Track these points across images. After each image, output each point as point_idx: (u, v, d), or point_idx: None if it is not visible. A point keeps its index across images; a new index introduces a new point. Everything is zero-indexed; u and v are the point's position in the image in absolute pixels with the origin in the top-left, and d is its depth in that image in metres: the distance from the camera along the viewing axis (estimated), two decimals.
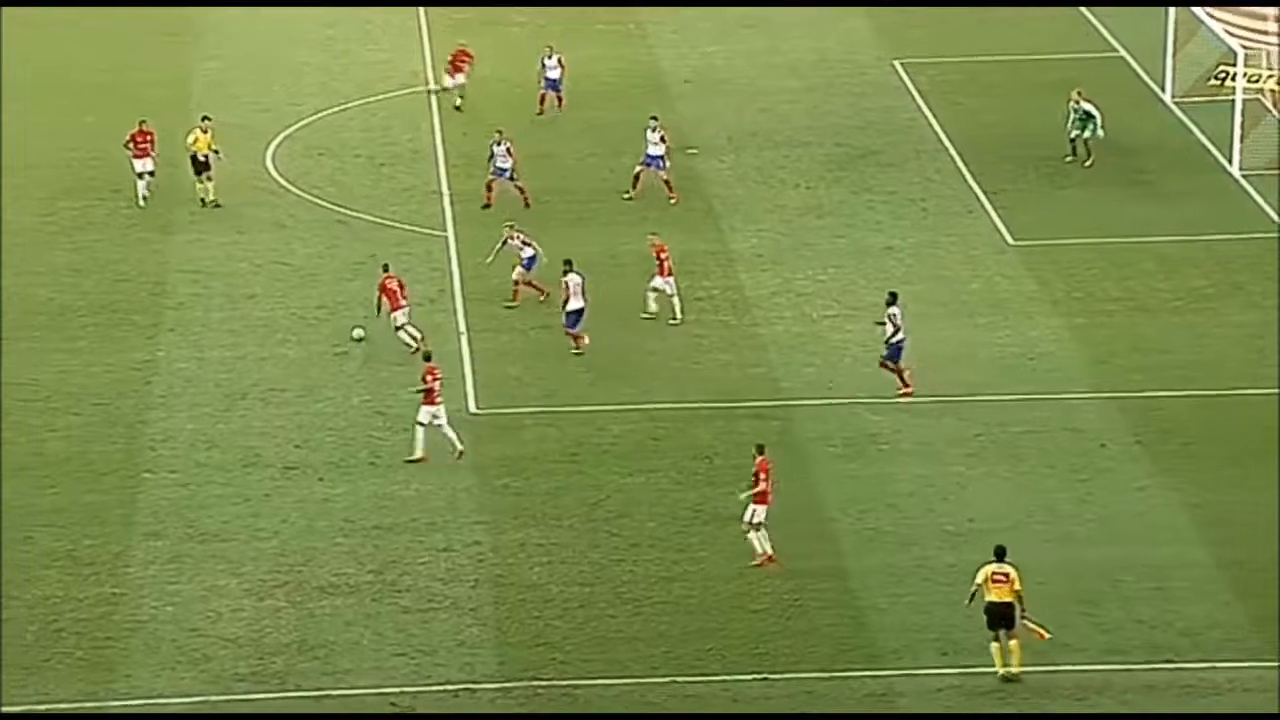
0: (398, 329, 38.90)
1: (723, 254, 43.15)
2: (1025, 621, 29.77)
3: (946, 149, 48.21)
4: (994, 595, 29.61)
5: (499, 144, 44.76)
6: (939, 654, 30.57)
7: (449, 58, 49.50)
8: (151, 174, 44.57)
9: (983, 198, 45.86)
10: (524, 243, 40.74)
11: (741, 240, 43.85)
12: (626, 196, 45.14)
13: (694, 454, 35.85)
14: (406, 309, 39.11)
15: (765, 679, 30.09)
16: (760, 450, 32.71)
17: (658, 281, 40.13)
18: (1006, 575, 29.67)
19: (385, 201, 45.71)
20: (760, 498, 32.35)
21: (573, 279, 38.92)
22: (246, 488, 34.80)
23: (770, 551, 32.38)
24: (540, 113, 49.28)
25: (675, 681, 30.03)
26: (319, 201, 45.77)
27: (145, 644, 30.82)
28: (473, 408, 37.46)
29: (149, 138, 44.57)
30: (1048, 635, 29.90)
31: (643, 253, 42.68)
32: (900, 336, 37.26)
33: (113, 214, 44.79)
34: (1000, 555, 29.92)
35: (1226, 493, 34.52)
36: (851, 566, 32.65)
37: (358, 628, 31.18)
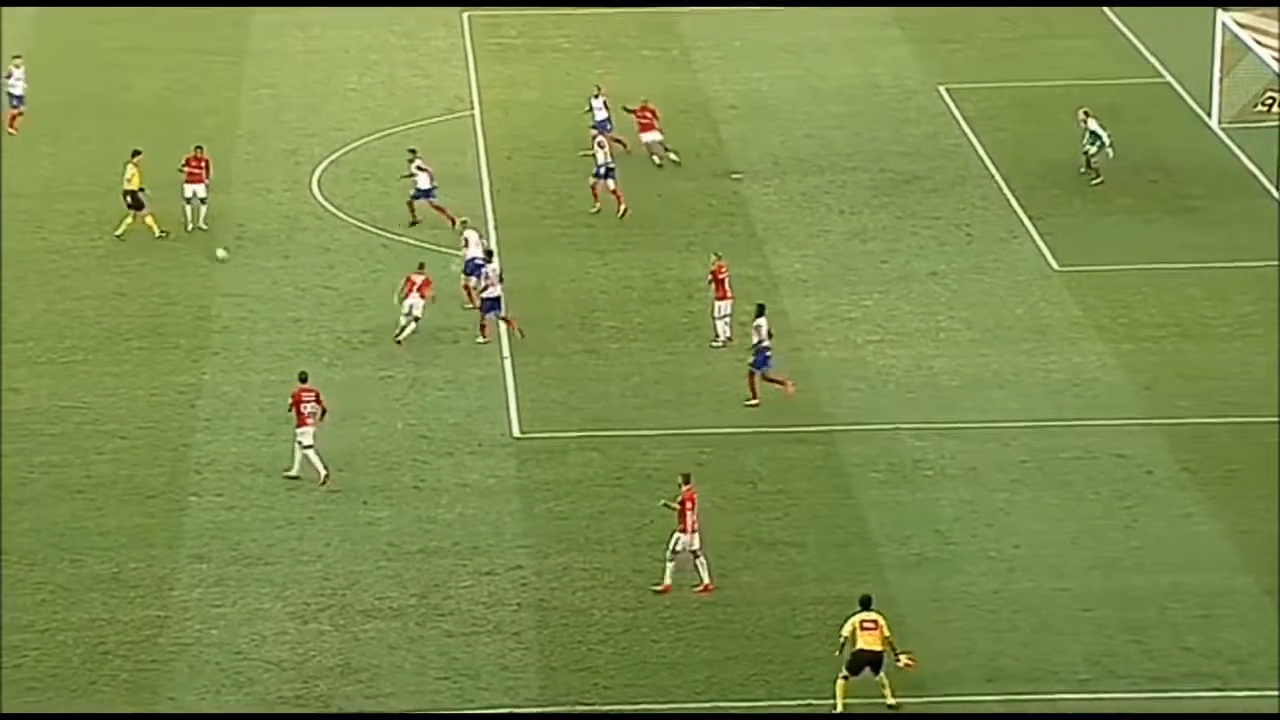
0: (406, 313, 39.72)
1: (766, 279, 43.12)
2: (899, 660, 29.71)
3: (991, 174, 48.10)
4: (864, 642, 29.68)
5: (412, 162, 45.06)
6: (984, 680, 30.47)
7: (635, 115, 47.82)
8: (203, 200, 44.85)
9: (1027, 223, 45.74)
10: (467, 243, 41.34)
11: (785, 265, 43.82)
12: (595, 211, 45.48)
13: (738, 479, 35.80)
14: (424, 304, 39.78)
15: (809, 704, 30.01)
16: (686, 480, 32.76)
17: (722, 307, 39.99)
18: (875, 622, 29.79)
19: (430, 225, 45.83)
20: (684, 527, 32.35)
21: (491, 268, 40.12)
22: (291, 511, 34.88)
23: (670, 583, 32.39)
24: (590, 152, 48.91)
25: (718, 707, 29.98)
26: (364, 226, 45.92)
27: (190, 666, 30.92)
28: (516, 431, 37.50)
29: (203, 163, 44.89)
30: (916, 663, 29.82)
31: (686, 277, 42.69)
32: (766, 345, 37.59)
33: (159, 238, 45.00)
34: (866, 604, 29.96)
35: (1274, 520, 34.28)
36: (895, 592, 32.53)
37: (401, 651, 31.21)
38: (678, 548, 32.47)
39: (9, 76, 48.99)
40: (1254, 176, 47.84)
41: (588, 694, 30.31)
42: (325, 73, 54.15)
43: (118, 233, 44.36)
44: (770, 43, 55.98)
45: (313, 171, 48.24)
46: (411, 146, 46.45)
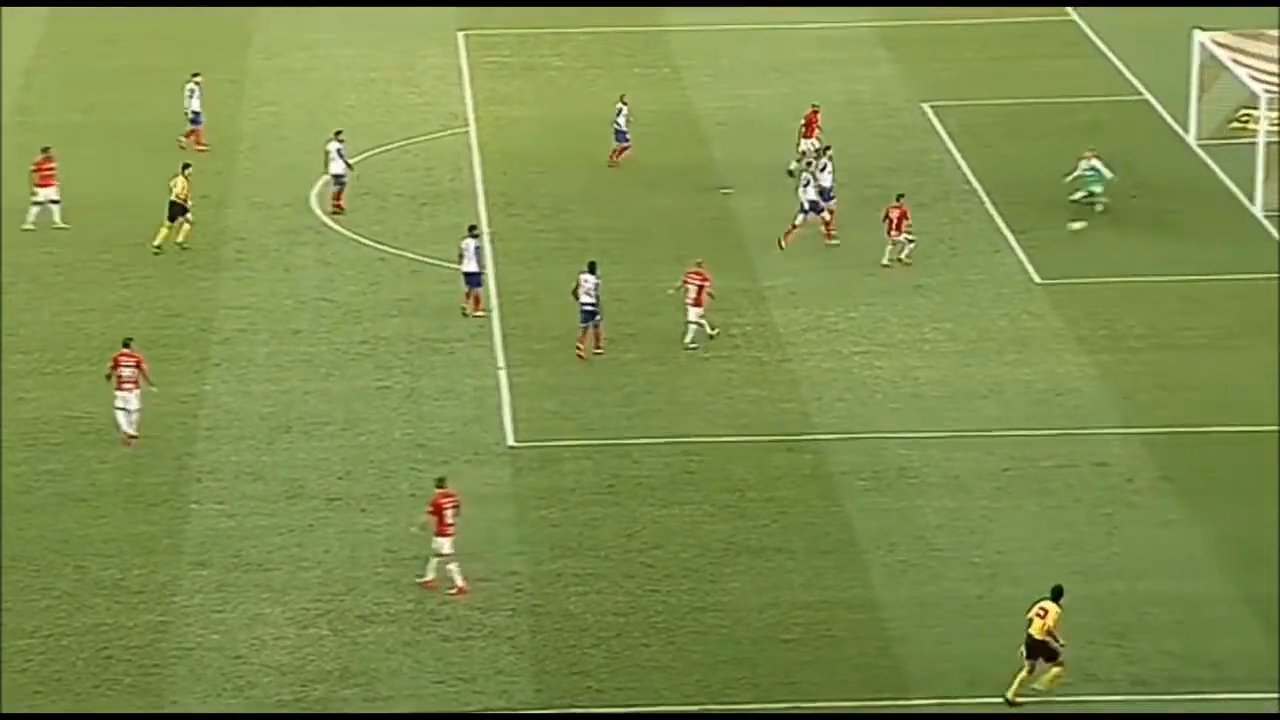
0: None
1: (755, 291, 43.75)
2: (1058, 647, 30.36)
3: (975, 190, 48.72)
4: (1031, 628, 30.46)
5: (340, 143, 46.46)
6: (967, 684, 30.94)
7: (806, 123, 48.88)
8: (56, 202, 45.51)
9: (1010, 237, 46.36)
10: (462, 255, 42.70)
11: (773, 278, 44.43)
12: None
13: (727, 487, 36.40)
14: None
15: (796, 708, 30.54)
16: (440, 483, 33.36)
17: (693, 314, 40.95)
18: (1045, 611, 30.42)
19: (426, 240, 46.48)
20: (440, 530, 32.90)
21: (471, 244, 42.09)
22: (290, 518, 35.45)
23: (431, 578, 32.99)
24: (612, 164, 49.67)
25: (708, 710, 30.46)
26: (362, 240, 46.57)
27: (191, 671, 31.44)
28: (511, 441, 38.14)
29: (53, 167, 45.49)
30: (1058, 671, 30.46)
31: (678, 289, 43.37)
32: (586, 302, 40.26)
33: (162, 252, 45.67)
34: (1054, 594, 30.65)
35: (1252, 527, 34.81)
36: (881, 598, 33.07)
37: (398, 656, 31.73)
38: (442, 552, 33.01)
39: (191, 95, 49.85)
40: (1230, 192, 48.49)
41: (580, 697, 30.80)
42: (323, 91, 54.79)
43: (155, 243, 44.98)
44: (758, 62, 56.69)
45: (311, 187, 48.90)
46: (339, 129, 47.36)
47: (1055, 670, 30.38)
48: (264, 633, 32.22)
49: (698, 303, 41.00)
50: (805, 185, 45.61)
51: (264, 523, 35.30)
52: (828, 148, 47.04)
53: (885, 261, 44.07)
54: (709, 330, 41.16)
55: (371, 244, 46.31)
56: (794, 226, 45.26)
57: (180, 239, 45.17)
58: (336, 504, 35.89)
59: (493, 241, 46.14)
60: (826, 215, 45.46)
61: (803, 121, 48.97)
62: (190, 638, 32.14)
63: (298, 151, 50.75)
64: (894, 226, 44.34)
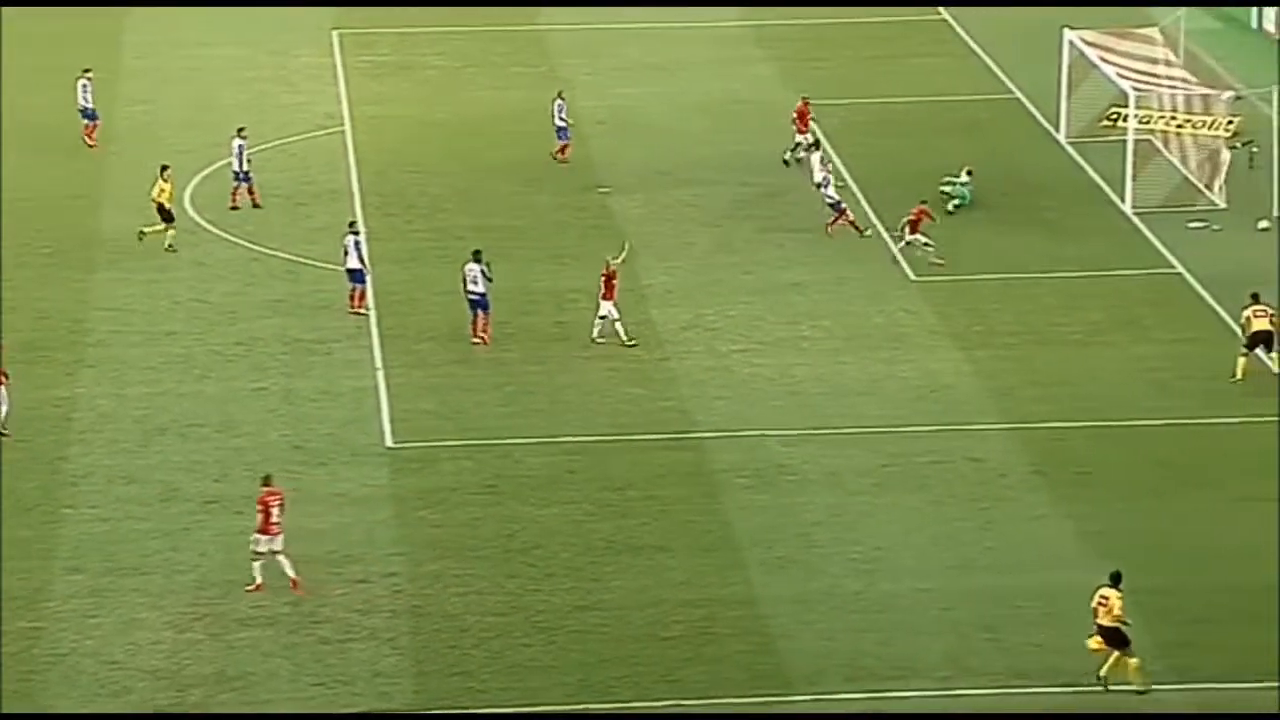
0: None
1: (635, 290, 43.91)
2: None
3: (849, 187, 49.20)
4: (1100, 618, 30.73)
5: (243, 140, 46.63)
6: (846, 680, 31.20)
7: (799, 115, 49.34)
8: None
9: (885, 235, 46.89)
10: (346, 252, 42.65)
11: (652, 276, 44.65)
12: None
13: (608, 486, 36.52)
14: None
15: (678, 705, 30.66)
16: (265, 481, 33.52)
17: (605, 308, 40.93)
18: (1106, 599, 30.73)
19: (302, 240, 46.30)
20: (265, 528, 32.98)
21: (351, 239, 42.16)
22: (166, 522, 35.20)
23: (261, 581, 32.96)
24: (563, 160, 49.72)
25: (589, 709, 30.52)
26: (237, 240, 46.30)
27: (65, 676, 31.14)
28: (389, 442, 38.06)
29: None
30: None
31: (556, 288, 43.47)
32: (471, 290, 40.79)
33: (33, 252, 45.17)
34: (1113, 580, 30.93)
35: (1122, 521, 35.37)
36: (762, 594, 33.29)
37: (276, 659, 31.61)
38: (259, 549, 33.03)
39: (84, 90, 49.26)
40: (1101, 189, 49.35)
41: (461, 697, 30.79)
42: (198, 90, 54.43)
43: (166, 244, 44.75)
44: (637, 61, 56.94)
45: (186, 186, 48.54)
46: (241, 125, 47.33)
47: (1134, 660, 30.65)
48: (140, 637, 31.98)
49: (607, 296, 41.00)
50: (824, 185, 46.05)
51: (139, 526, 35.03)
52: (817, 141, 47.72)
53: (902, 246, 44.91)
54: (596, 335, 41.12)
55: (246, 244, 46.04)
56: (842, 222, 45.83)
57: (166, 243, 44.78)
58: (212, 507, 35.67)
59: (369, 241, 45.97)
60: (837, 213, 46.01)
61: (795, 114, 49.22)
62: (64, 643, 31.85)
63: (172, 151, 50.35)
64: (912, 227, 44.58)
